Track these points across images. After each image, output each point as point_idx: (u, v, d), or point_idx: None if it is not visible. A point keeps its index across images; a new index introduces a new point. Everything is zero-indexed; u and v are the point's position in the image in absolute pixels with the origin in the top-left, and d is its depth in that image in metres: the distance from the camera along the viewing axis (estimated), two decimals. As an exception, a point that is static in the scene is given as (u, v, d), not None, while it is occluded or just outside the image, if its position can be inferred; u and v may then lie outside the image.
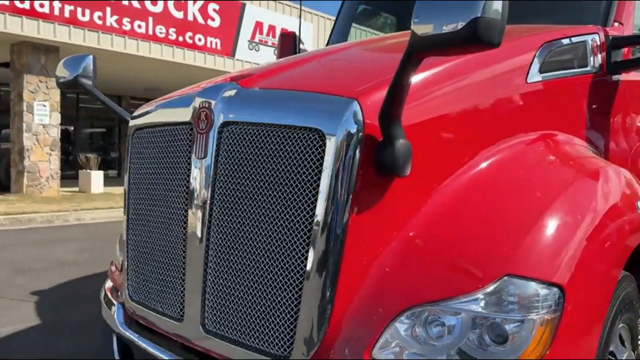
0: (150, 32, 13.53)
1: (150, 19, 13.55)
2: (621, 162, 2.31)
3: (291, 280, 1.58)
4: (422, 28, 1.31)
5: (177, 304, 1.90)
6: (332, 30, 3.88)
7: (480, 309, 1.42)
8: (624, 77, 2.48)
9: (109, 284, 2.54)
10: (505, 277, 1.43)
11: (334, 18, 4.32)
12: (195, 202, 1.81)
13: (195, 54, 14.60)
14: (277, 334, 1.61)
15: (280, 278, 1.60)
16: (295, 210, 1.57)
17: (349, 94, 1.57)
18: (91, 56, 2.53)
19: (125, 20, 13.02)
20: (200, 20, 14.68)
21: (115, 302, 2.30)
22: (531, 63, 2.05)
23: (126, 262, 2.16)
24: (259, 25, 16.32)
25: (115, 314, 2.22)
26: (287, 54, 3.97)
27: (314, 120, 1.55)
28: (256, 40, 16.31)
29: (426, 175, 1.67)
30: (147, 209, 2.07)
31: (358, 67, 2.10)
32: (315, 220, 1.52)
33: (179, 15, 14.13)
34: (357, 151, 1.51)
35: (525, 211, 1.58)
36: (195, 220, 1.80)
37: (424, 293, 1.48)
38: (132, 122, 2.23)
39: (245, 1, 15.91)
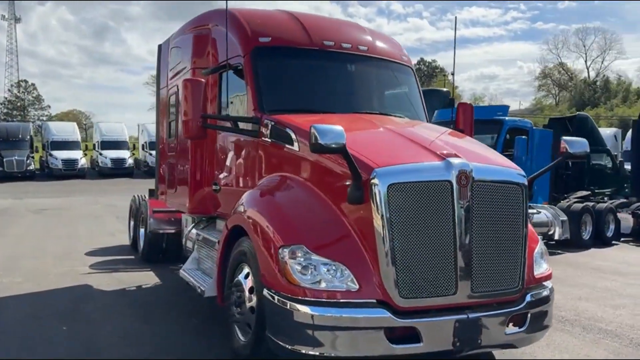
0: None
1: None
2: None
3: (518, 258, 4.02)
4: (575, 151, 4.53)
5: (451, 286, 3.74)
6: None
7: (539, 248, 4.47)
8: None
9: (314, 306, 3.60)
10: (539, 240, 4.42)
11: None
12: (463, 224, 3.69)
13: None
14: (513, 282, 4.00)
15: (514, 259, 4.00)
16: (517, 220, 4.00)
17: (520, 169, 4.16)
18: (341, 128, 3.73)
19: None
20: None
21: (372, 309, 3.59)
22: None
23: (395, 277, 3.59)
24: None
25: (383, 313, 3.58)
26: (197, 101, 5.20)
27: (519, 180, 4.03)
28: None
29: None
30: (420, 234, 3.64)
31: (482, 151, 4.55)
32: (525, 222, 4.04)
33: None
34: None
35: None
36: (463, 234, 3.70)
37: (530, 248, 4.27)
38: (382, 180, 3.63)
39: None
